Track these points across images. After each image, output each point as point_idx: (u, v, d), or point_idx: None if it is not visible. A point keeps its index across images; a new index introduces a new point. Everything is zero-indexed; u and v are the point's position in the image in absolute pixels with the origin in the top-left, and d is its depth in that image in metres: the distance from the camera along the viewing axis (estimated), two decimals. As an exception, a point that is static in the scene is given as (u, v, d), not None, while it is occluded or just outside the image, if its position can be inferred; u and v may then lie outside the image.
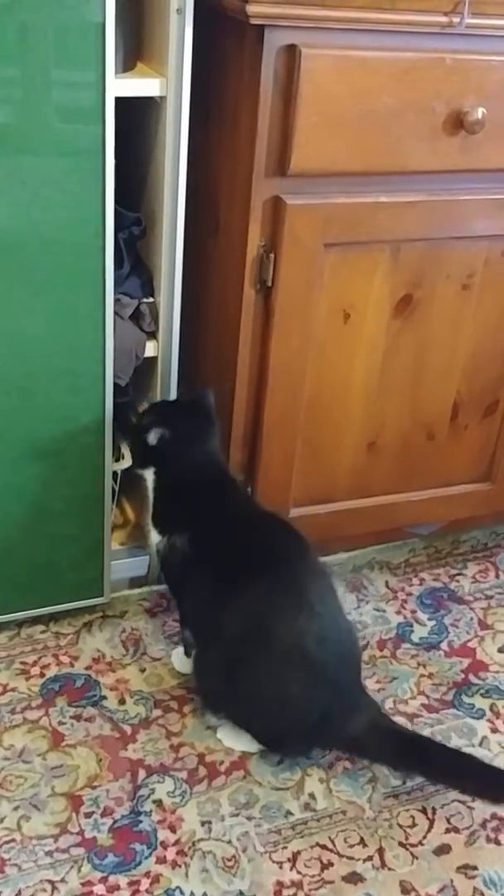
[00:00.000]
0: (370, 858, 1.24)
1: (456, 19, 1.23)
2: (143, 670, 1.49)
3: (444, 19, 1.23)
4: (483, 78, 1.29)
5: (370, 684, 1.49)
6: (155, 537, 1.38)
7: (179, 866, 1.21)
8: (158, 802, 1.29)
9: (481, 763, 1.29)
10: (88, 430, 1.38)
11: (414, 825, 1.29)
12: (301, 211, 1.30)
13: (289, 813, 1.29)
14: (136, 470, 1.42)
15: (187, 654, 1.45)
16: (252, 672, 1.26)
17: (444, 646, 1.59)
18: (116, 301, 1.35)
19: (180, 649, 1.49)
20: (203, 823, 1.27)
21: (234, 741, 1.37)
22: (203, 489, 1.35)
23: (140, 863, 1.21)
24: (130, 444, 1.45)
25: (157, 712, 1.42)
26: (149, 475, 1.39)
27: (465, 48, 1.27)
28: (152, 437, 1.32)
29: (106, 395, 1.36)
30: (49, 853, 1.21)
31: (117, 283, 1.34)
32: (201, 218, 1.43)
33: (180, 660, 1.48)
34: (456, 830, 1.28)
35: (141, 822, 1.26)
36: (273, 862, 1.23)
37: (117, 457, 1.54)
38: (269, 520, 1.36)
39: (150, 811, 1.28)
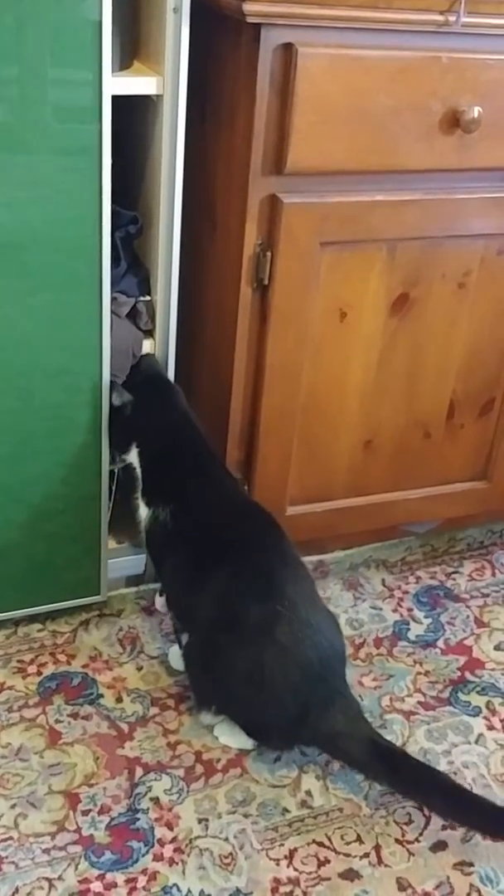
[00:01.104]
0: (367, 855, 1.24)
1: (452, 18, 1.23)
2: (139, 668, 1.49)
3: (440, 18, 1.23)
4: (479, 77, 1.29)
5: (367, 682, 1.50)
6: (143, 511, 1.41)
7: (177, 864, 1.21)
8: (155, 800, 1.29)
9: (450, 782, 1.26)
10: (85, 428, 1.38)
11: (410, 822, 1.29)
12: (297, 209, 1.30)
13: (286, 810, 1.29)
14: (122, 455, 1.43)
15: (182, 647, 1.46)
16: (225, 657, 1.28)
17: (440, 644, 1.59)
18: (113, 300, 1.35)
19: (176, 647, 1.49)
20: (200, 821, 1.27)
21: (229, 739, 1.37)
22: (185, 457, 1.39)
23: (137, 860, 1.21)
24: (109, 434, 1.44)
25: (154, 710, 1.42)
26: (134, 453, 1.41)
27: (462, 47, 1.27)
28: (115, 399, 1.36)
29: (103, 394, 1.36)
30: (46, 851, 1.21)
31: (114, 282, 1.34)
32: (198, 216, 1.43)
33: (177, 657, 1.48)
34: (452, 828, 1.28)
35: (138, 819, 1.26)
36: (270, 859, 1.23)
37: (113, 459, 1.54)
38: (244, 500, 1.42)
39: (148, 809, 1.28)
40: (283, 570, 1.30)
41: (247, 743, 1.36)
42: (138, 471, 1.42)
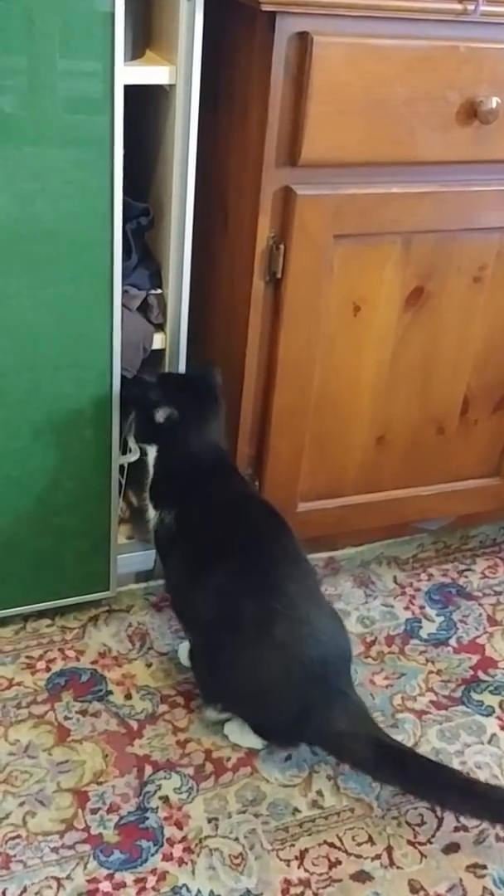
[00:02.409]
0: (378, 857, 1.23)
1: (470, 7, 1.21)
2: (149, 665, 1.48)
3: (458, 7, 1.21)
4: (497, 67, 1.27)
5: (378, 680, 1.48)
6: (151, 512, 1.39)
7: (186, 864, 1.20)
8: (165, 799, 1.28)
9: (463, 777, 1.25)
10: (94, 422, 1.37)
11: (423, 823, 1.27)
12: (311, 202, 1.28)
13: (296, 810, 1.28)
14: (138, 443, 1.42)
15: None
16: (226, 656, 1.27)
17: (452, 642, 1.58)
18: (124, 293, 1.34)
19: (186, 644, 1.48)
20: (210, 820, 1.26)
21: (239, 738, 1.36)
22: (199, 470, 1.36)
23: (146, 860, 1.20)
24: (135, 416, 1.40)
25: (163, 707, 1.41)
26: (151, 451, 1.39)
27: (480, 36, 1.25)
28: (160, 416, 1.32)
29: (113, 388, 1.35)
30: (55, 850, 1.20)
31: (125, 275, 1.32)
32: (210, 209, 1.41)
33: (186, 654, 1.47)
34: (465, 829, 1.27)
35: (147, 818, 1.25)
36: (280, 860, 1.22)
37: (124, 450, 1.53)
38: (253, 504, 1.38)
39: (157, 808, 1.27)
40: (282, 567, 1.28)
41: (256, 742, 1.35)
42: (150, 469, 1.40)
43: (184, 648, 1.49)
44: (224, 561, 1.28)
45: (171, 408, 1.32)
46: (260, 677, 1.25)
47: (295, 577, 1.29)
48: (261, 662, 1.24)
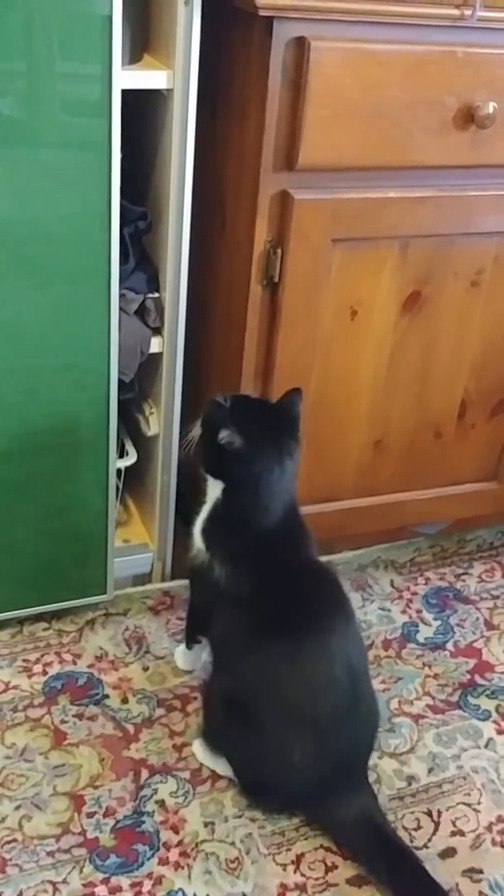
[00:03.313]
0: (375, 861, 1.23)
1: (468, 12, 1.21)
2: (145, 669, 1.48)
3: (455, 12, 1.21)
4: (494, 72, 1.27)
5: (375, 684, 1.48)
6: (199, 542, 1.28)
7: (182, 868, 1.20)
8: (161, 803, 1.28)
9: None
10: (92, 426, 1.37)
11: (419, 828, 1.27)
12: (309, 206, 1.29)
13: (293, 814, 1.28)
14: (204, 472, 1.24)
15: (189, 646, 1.44)
16: (251, 724, 1.20)
17: (449, 646, 1.58)
18: (121, 296, 1.34)
19: (182, 647, 1.48)
20: (206, 824, 1.26)
21: (208, 760, 1.32)
22: (269, 534, 1.22)
23: (142, 864, 1.20)
24: (201, 439, 1.22)
25: (159, 711, 1.41)
26: (216, 487, 1.23)
27: (477, 41, 1.25)
28: (221, 437, 1.16)
29: (111, 391, 1.35)
30: (51, 853, 1.20)
31: (122, 278, 1.32)
32: (208, 213, 1.41)
33: (183, 656, 1.47)
34: (461, 833, 1.27)
35: (143, 822, 1.25)
36: (277, 864, 1.22)
37: (121, 453, 1.53)
38: (319, 576, 1.27)
39: (153, 812, 1.27)
40: (342, 652, 1.20)
41: (226, 771, 1.30)
42: (208, 503, 1.26)
43: (179, 651, 1.48)
44: (282, 634, 1.19)
45: (233, 431, 1.15)
46: (279, 757, 1.19)
47: (350, 666, 1.20)
48: (287, 746, 1.19)
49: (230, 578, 1.23)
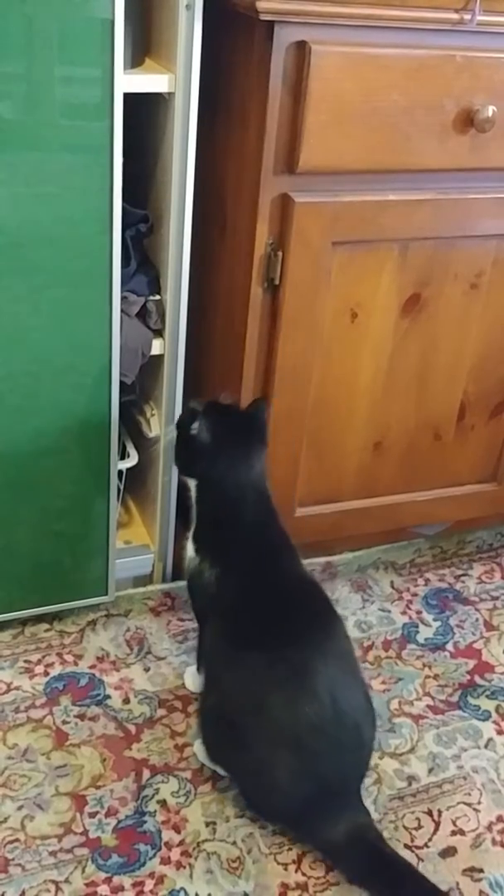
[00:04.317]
0: (375, 860, 1.23)
1: (467, 16, 1.22)
2: (147, 669, 1.48)
3: (454, 16, 1.22)
4: (494, 75, 1.28)
5: (375, 685, 1.49)
6: (190, 551, 1.32)
7: (184, 867, 1.21)
8: (163, 803, 1.28)
9: None
10: (94, 428, 1.37)
11: (419, 827, 1.28)
12: (309, 209, 1.29)
13: (294, 814, 1.28)
14: (180, 475, 1.33)
15: (199, 669, 1.41)
16: (240, 739, 1.20)
17: (449, 647, 1.58)
18: (123, 299, 1.35)
19: (193, 668, 1.46)
20: (208, 824, 1.26)
21: (208, 760, 1.31)
22: (244, 525, 1.27)
23: (144, 863, 1.21)
24: (176, 440, 1.33)
25: (161, 712, 1.41)
26: (192, 486, 1.31)
27: (476, 45, 1.26)
28: (194, 428, 1.25)
29: (112, 394, 1.36)
30: (53, 853, 1.21)
31: (124, 281, 1.33)
32: (209, 216, 1.42)
33: (192, 678, 1.45)
34: (462, 833, 1.27)
35: (145, 822, 1.26)
36: (278, 863, 1.22)
37: (123, 455, 1.54)
38: (302, 582, 1.29)
39: (155, 811, 1.27)
40: (324, 669, 1.18)
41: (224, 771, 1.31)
42: (193, 507, 1.32)
43: (190, 672, 1.46)
44: (263, 647, 1.19)
45: (202, 424, 1.24)
46: (270, 773, 1.18)
47: (332, 684, 1.18)
48: (275, 762, 1.17)
49: (218, 581, 1.26)
